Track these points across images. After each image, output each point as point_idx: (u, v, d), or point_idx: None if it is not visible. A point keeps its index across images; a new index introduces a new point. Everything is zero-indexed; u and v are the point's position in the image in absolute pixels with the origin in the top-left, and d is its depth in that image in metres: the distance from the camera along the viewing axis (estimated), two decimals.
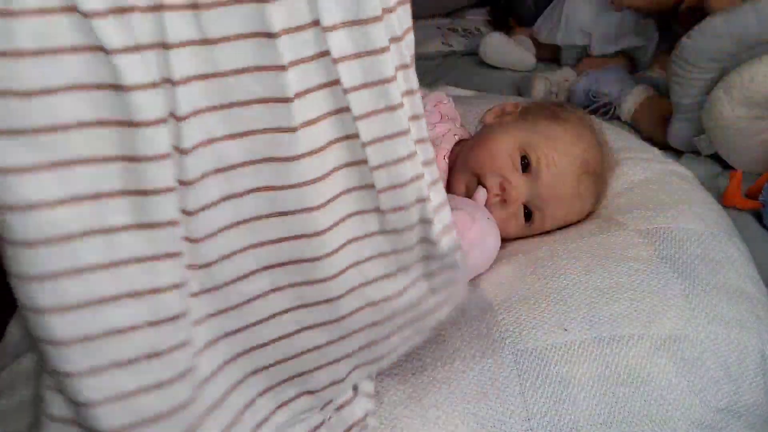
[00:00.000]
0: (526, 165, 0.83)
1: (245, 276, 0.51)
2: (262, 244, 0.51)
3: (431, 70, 1.85)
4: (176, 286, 0.47)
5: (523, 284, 0.75)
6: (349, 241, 0.54)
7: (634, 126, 1.54)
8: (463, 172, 0.85)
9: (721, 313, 0.72)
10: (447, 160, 0.87)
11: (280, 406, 0.59)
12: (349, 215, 0.53)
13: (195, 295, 0.50)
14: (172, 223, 0.46)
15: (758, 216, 1.18)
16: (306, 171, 0.49)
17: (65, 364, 0.45)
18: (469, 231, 0.74)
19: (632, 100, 1.55)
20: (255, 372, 0.55)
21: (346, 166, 0.52)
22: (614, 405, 0.65)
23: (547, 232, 0.86)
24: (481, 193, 0.81)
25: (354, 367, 0.59)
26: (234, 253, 0.50)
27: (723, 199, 1.18)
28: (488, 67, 1.83)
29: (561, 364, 0.67)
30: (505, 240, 0.82)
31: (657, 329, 0.69)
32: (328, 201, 0.51)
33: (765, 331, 0.74)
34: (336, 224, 0.52)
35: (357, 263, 0.54)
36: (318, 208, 0.51)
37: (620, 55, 1.76)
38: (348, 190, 0.53)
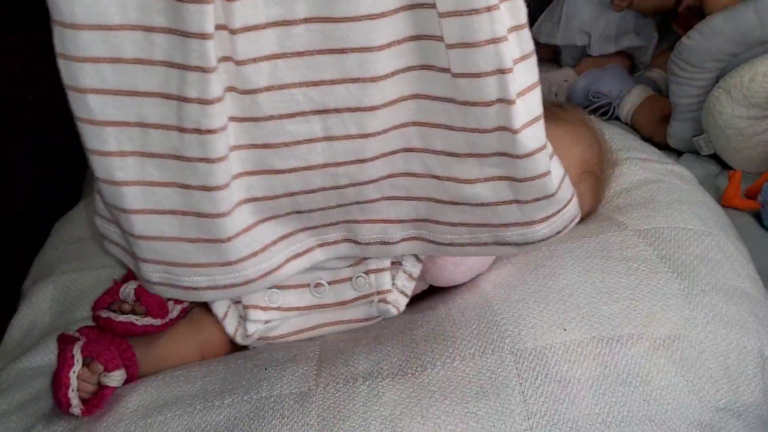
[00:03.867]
0: None
1: (293, 115, 0.51)
2: (314, 83, 0.50)
3: None
4: (205, 102, 0.49)
5: (522, 284, 0.75)
6: (412, 96, 0.52)
7: (633, 126, 1.54)
8: None
9: (720, 313, 0.72)
10: None
11: (321, 245, 0.61)
12: (413, 67, 0.51)
13: (234, 119, 0.51)
14: (204, 36, 0.47)
15: (757, 216, 1.18)
16: (363, 1, 0.48)
17: (99, 142, 0.51)
18: None
19: (632, 100, 1.55)
20: (297, 212, 0.56)
21: (412, 8, 0.49)
22: (613, 405, 0.65)
23: None
24: None
25: (409, 236, 0.59)
26: (282, 86, 0.50)
27: (722, 200, 1.18)
28: None
29: (560, 363, 0.67)
30: None
31: (656, 329, 0.69)
32: (390, 44, 0.49)
33: (764, 331, 0.74)
34: (396, 73, 0.50)
35: (418, 123, 0.53)
36: (377, 49, 0.49)
37: (620, 55, 1.76)
38: (413, 37, 0.50)
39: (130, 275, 0.77)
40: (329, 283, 0.66)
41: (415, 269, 0.67)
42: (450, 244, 0.60)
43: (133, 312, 0.72)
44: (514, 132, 0.52)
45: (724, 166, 1.35)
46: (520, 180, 0.55)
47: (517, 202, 0.57)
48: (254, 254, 0.58)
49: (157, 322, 0.73)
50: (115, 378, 0.71)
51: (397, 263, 0.67)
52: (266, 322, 0.67)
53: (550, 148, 0.56)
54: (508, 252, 0.61)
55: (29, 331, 0.89)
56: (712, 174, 1.34)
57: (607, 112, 1.57)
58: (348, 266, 0.65)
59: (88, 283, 0.91)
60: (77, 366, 0.69)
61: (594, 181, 0.86)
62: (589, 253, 0.78)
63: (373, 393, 0.66)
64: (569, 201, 0.59)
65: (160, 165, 0.53)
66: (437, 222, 0.59)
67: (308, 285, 0.66)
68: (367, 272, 0.66)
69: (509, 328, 0.70)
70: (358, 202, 0.57)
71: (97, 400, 0.69)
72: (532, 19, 1.89)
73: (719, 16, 1.27)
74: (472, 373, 0.66)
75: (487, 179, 0.56)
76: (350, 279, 0.66)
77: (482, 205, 0.57)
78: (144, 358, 0.75)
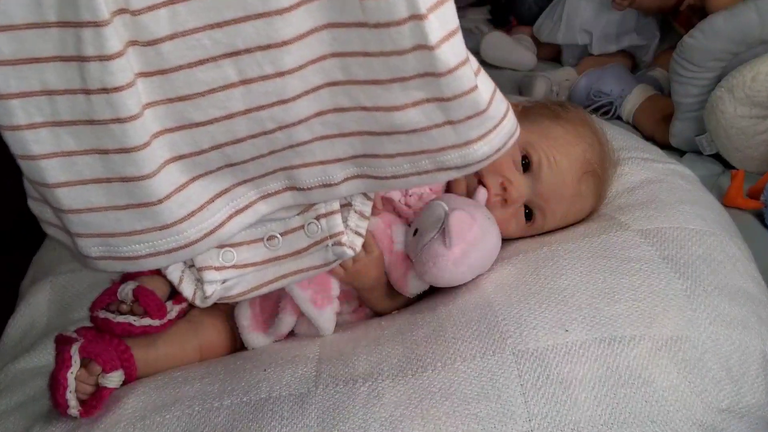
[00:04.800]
0: (526, 165, 0.83)
1: (203, 61, 0.50)
2: (219, 24, 0.49)
3: None
4: (104, 58, 0.47)
5: (523, 284, 0.75)
6: (325, 26, 0.51)
7: (635, 125, 1.54)
8: None
9: (722, 314, 0.72)
10: None
11: (263, 197, 0.60)
12: None
13: (143, 74, 0.50)
14: None
15: (760, 216, 1.18)
16: None
17: (8, 116, 0.50)
18: (469, 231, 0.74)
19: (633, 99, 1.54)
20: (230, 165, 0.55)
21: None
22: (615, 406, 0.65)
23: (548, 232, 0.86)
24: (481, 193, 0.81)
25: (351, 175, 0.58)
26: (186, 32, 0.49)
27: (724, 199, 1.19)
28: (488, 66, 1.82)
29: (562, 364, 0.66)
30: (505, 240, 0.81)
31: (658, 330, 0.69)
32: None
33: (767, 332, 0.74)
34: (303, 3, 0.50)
35: (336, 54, 0.52)
36: None
37: (621, 54, 1.76)
38: None
39: (128, 275, 0.77)
40: (281, 234, 0.65)
41: (366, 207, 0.65)
42: (393, 177, 0.59)
43: (132, 312, 0.72)
44: (432, 48, 0.51)
45: (727, 165, 1.35)
46: (448, 99, 0.54)
47: (449, 123, 0.56)
48: (191, 214, 0.57)
49: (156, 322, 0.73)
50: (114, 379, 0.70)
51: (347, 205, 0.66)
52: (223, 281, 0.66)
53: (474, 64, 0.54)
54: (451, 176, 0.60)
55: (27, 332, 0.89)
56: (715, 173, 1.34)
57: (608, 111, 1.57)
58: (297, 214, 0.64)
59: (85, 284, 0.91)
60: (75, 367, 0.68)
61: (596, 180, 0.85)
62: (591, 253, 0.78)
63: (373, 394, 0.66)
64: (504, 116, 0.57)
65: (74, 132, 0.52)
66: (375, 156, 0.58)
67: (261, 239, 0.65)
68: (317, 217, 0.64)
69: (510, 329, 0.69)
70: (291, 146, 0.56)
71: (95, 401, 0.69)
72: (533, 17, 1.90)
73: (720, 16, 1.27)
74: (473, 374, 0.66)
75: (415, 103, 0.55)
76: (302, 227, 0.65)
77: (416, 131, 0.56)
78: (142, 359, 0.74)
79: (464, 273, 0.76)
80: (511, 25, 2.02)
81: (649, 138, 1.40)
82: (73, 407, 0.68)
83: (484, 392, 0.65)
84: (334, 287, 0.79)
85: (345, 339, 0.76)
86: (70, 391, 0.68)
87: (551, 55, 1.88)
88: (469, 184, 0.84)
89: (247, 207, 0.60)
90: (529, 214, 0.84)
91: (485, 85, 0.55)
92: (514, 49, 1.82)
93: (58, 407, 0.69)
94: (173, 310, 0.75)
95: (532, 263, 0.78)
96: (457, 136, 0.56)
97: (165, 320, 0.74)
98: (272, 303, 0.79)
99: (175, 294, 0.78)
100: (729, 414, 0.68)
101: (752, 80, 1.22)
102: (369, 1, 0.50)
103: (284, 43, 0.50)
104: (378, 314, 0.84)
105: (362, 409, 0.65)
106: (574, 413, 0.64)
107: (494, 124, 0.56)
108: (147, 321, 0.73)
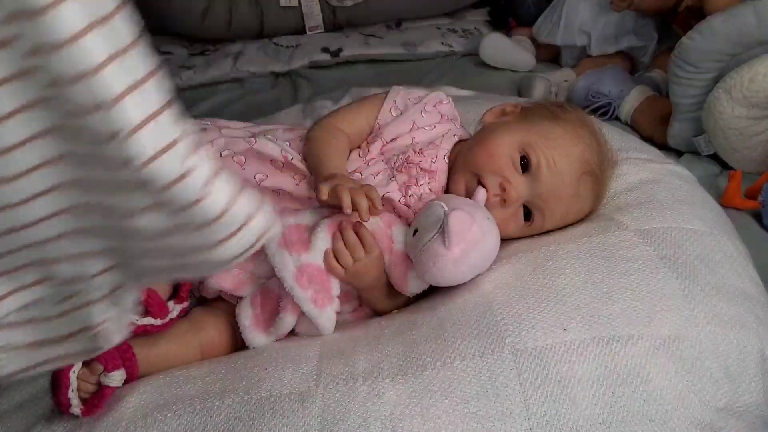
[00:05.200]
0: (525, 165, 0.83)
1: None
2: None
3: (431, 70, 1.85)
4: None
5: (522, 284, 0.75)
6: (46, 132, 0.49)
7: (633, 126, 1.54)
8: (462, 172, 0.85)
9: (720, 313, 0.72)
10: (447, 160, 0.87)
11: (13, 292, 0.58)
12: (6, 79, 0.47)
13: None
14: None
15: (757, 216, 1.19)
16: None
17: None
18: (468, 231, 0.74)
19: (632, 100, 1.55)
20: None
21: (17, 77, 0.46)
22: (613, 404, 0.65)
23: (547, 232, 0.86)
24: (480, 193, 0.81)
25: (107, 266, 0.57)
26: None
27: (722, 199, 1.19)
28: (488, 67, 1.83)
29: (560, 363, 0.67)
30: (504, 240, 0.82)
31: (656, 329, 0.69)
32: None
33: (764, 331, 0.74)
34: (13, 113, 0.48)
35: (63, 156, 0.51)
36: None
37: (620, 55, 1.76)
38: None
39: None
40: (45, 320, 0.62)
41: (133, 296, 0.65)
42: (149, 273, 0.59)
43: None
44: (141, 167, 0.49)
45: (725, 166, 1.35)
46: (177, 210, 0.52)
47: (184, 228, 0.53)
48: None
49: (157, 321, 0.73)
50: (115, 378, 0.71)
51: (112, 292, 0.63)
52: None
53: (207, 170, 0.52)
54: (213, 271, 0.60)
55: None
56: (712, 174, 1.34)
57: (607, 112, 1.57)
58: (62, 300, 0.61)
59: None
60: (77, 366, 0.69)
61: (594, 181, 0.86)
62: (590, 253, 0.78)
63: (373, 393, 0.66)
64: (252, 216, 0.55)
65: None
66: (126, 251, 0.57)
67: (25, 323, 0.62)
68: (81, 306, 0.62)
69: (509, 328, 0.70)
70: (34, 244, 0.55)
71: (97, 400, 0.69)
72: (532, 19, 1.91)
73: (719, 17, 1.28)
74: (472, 373, 0.67)
75: (146, 209, 0.53)
76: (64, 314, 0.62)
77: (158, 235, 0.54)
78: (144, 358, 0.75)
79: (464, 273, 0.76)
80: (510, 27, 2.02)
81: (647, 139, 1.40)
82: (75, 406, 0.68)
83: (483, 391, 0.65)
84: (335, 287, 0.79)
85: (345, 338, 0.76)
86: (72, 390, 0.68)
87: (550, 56, 1.88)
88: (469, 184, 0.84)
89: None
90: (528, 215, 0.84)
91: (223, 190, 0.52)
92: (513, 50, 1.82)
93: (60, 406, 0.69)
94: (175, 309, 0.75)
95: (531, 263, 0.78)
96: (195, 240, 0.54)
97: (166, 319, 0.75)
98: (273, 303, 0.80)
99: (176, 293, 0.78)
100: (726, 413, 0.68)
101: (750, 81, 1.22)
102: (81, 119, 0.48)
103: (2, 152, 0.49)
104: (378, 314, 0.84)
105: (362, 408, 0.65)
106: (573, 412, 0.65)
107: (237, 226, 0.54)
108: (148, 320, 0.73)
